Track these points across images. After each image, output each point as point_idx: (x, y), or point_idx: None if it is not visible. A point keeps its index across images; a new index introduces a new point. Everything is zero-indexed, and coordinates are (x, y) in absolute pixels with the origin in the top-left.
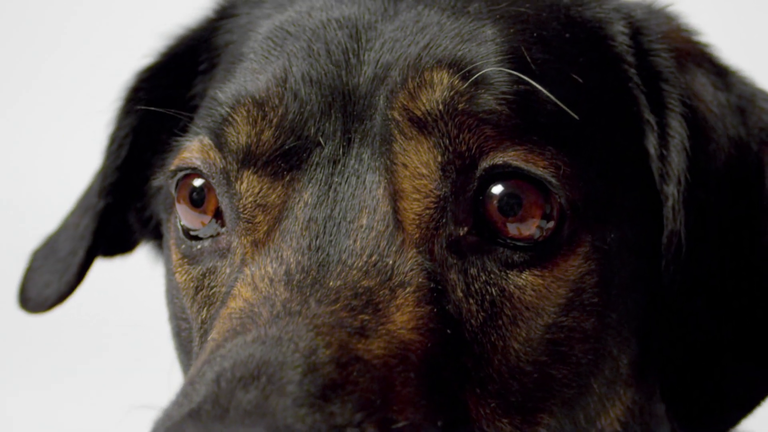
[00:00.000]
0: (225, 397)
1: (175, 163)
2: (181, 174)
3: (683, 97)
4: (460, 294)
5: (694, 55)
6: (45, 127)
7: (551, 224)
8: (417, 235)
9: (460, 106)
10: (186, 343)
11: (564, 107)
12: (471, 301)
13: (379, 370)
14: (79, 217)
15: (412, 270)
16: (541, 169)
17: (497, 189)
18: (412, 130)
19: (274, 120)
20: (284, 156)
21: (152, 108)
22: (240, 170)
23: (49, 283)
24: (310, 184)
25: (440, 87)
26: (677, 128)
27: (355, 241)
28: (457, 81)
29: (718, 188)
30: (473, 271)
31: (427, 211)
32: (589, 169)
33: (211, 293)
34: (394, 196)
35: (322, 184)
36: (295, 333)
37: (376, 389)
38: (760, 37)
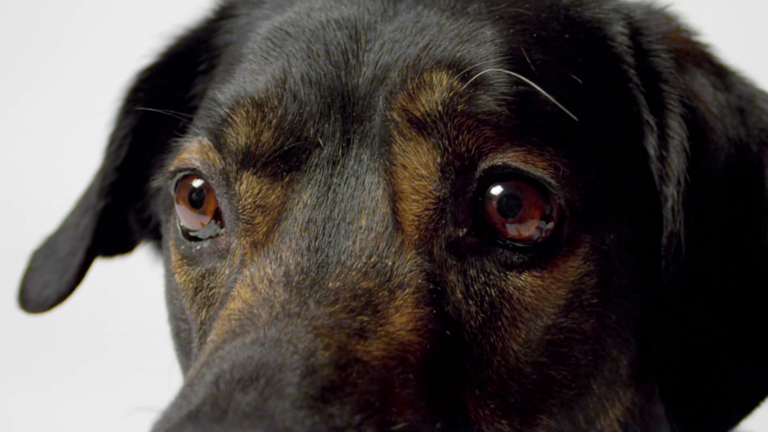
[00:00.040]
0: (224, 399)
1: (174, 164)
2: (180, 175)
3: (683, 98)
4: (460, 295)
5: (693, 55)
6: (45, 127)
7: (550, 225)
8: (416, 237)
9: (460, 107)
10: (185, 344)
11: (563, 108)
12: (470, 302)
13: (378, 371)
14: (78, 218)
15: (411, 271)
16: (541, 170)
17: (496, 190)
18: (412, 131)
19: (274, 121)
20: (283, 157)
21: (151, 109)
22: (239, 171)
23: (49, 283)
24: (310, 185)
25: (439, 88)
26: (677, 129)
27: (354, 243)
28: (456, 82)
29: (717, 189)
30: (472, 272)
31: (427, 212)
32: (589, 170)
33: (210, 294)
34: (394, 197)
35: (322, 185)
36: (294, 335)
37: (375, 391)
38: (760, 37)
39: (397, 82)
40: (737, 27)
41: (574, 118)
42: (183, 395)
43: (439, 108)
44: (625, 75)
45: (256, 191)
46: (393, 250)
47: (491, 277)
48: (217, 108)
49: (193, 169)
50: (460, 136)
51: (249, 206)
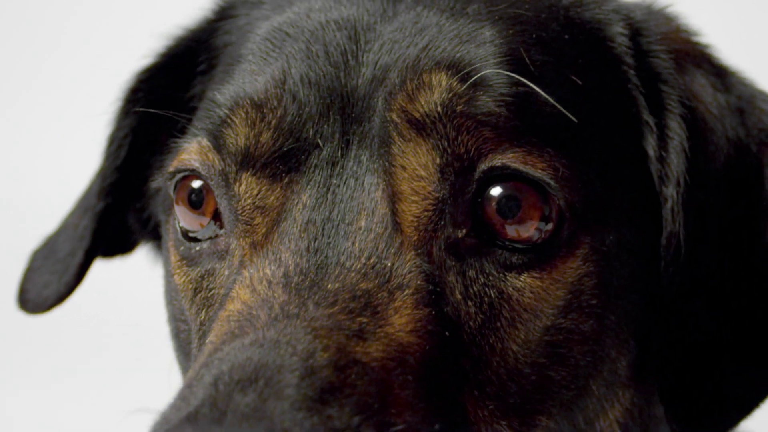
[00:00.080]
0: (223, 401)
1: (173, 164)
2: (179, 176)
3: (682, 99)
4: (459, 296)
5: (693, 55)
6: (45, 127)
7: (550, 226)
8: (415, 238)
9: (459, 108)
10: (185, 345)
11: (562, 109)
12: (469, 303)
13: (377, 372)
14: (78, 218)
15: (410, 272)
16: (540, 170)
17: (496, 191)
18: (411, 132)
19: (273, 122)
20: (283, 158)
21: (150, 110)
22: (238, 172)
23: (49, 283)
24: (309, 186)
25: (439, 89)
26: (676, 129)
27: (353, 244)
28: (455, 83)
29: (717, 189)
30: (472, 273)
31: (426, 213)
32: (588, 171)
33: (209, 295)
34: (393, 198)
35: (321, 186)
36: (293, 336)
37: (374, 392)
38: (760, 37)
39: (396, 83)
40: (737, 27)
41: (573, 119)
42: (182, 396)
43: (439, 109)
44: (624, 76)
45: (255, 192)
46: (392, 251)
47: (490, 278)
48: (217, 109)
49: (193, 170)
50: (460, 137)
51: (248, 207)
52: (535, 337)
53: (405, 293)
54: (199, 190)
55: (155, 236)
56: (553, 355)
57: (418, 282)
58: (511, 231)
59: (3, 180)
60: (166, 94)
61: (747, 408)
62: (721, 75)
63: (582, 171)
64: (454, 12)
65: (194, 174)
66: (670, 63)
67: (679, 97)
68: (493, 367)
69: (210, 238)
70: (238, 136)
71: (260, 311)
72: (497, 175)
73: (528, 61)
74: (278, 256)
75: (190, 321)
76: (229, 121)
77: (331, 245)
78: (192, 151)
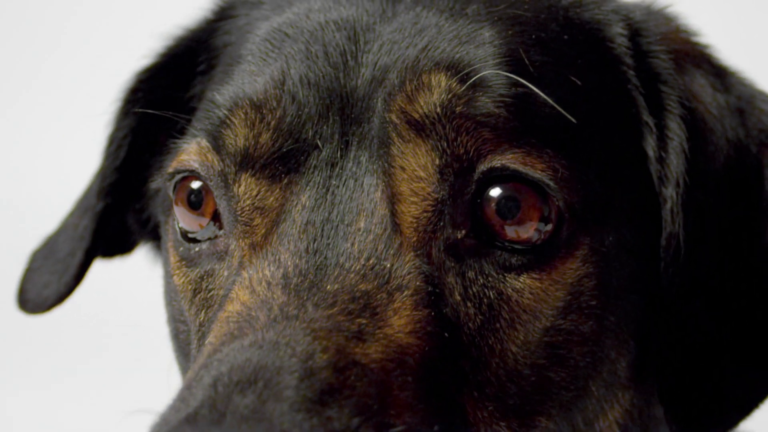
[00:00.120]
0: (222, 402)
1: (172, 165)
2: (178, 176)
3: (682, 99)
4: (458, 297)
5: (693, 56)
6: (45, 127)
7: (549, 227)
8: (415, 239)
9: (458, 109)
10: (184, 346)
11: (561, 110)
12: (469, 304)
13: (377, 374)
14: (78, 218)
15: (409, 273)
16: (539, 171)
17: (495, 192)
18: (410, 133)
19: (272, 123)
20: (282, 159)
21: (149, 111)
22: (238, 173)
23: (48, 283)
24: (308, 187)
25: (438, 90)
26: (676, 130)
27: (352, 245)
28: (454, 84)
29: (716, 190)
30: (471, 274)
31: (425, 214)
32: (588, 172)
33: (209, 296)
34: (392, 199)
35: (320, 187)
36: (292, 337)
37: (373, 393)
38: (760, 37)
39: (395, 84)
40: (737, 27)
41: (573, 120)
42: (181, 398)
43: (438, 110)
44: (624, 76)
45: (254, 193)
46: (391, 252)
47: (490, 279)
48: (216, 109)
49: (192, 171)
50: (459, 138)
51: (247, 208)
52: (535, 338)
53: (404, 294)
54: (199, 190)
55: (155, 236)
56: (553, 356)
57: (418, 283)
58: (511, 232)
59: (3, 180)
60: (165, 95)
61: (747, 408)
62: (721, 75)
63: (581, 172)
64: (453, 13)
65: (193, 175)
66: (670, 63)
67: (678, 97)
68: (493, 368)
69: (209, 238)
70: (237, 137)
71: (259, 312)
72: (496, 176)
73: (527, 61)
74: (277, 257)
75: (189, 322)
76: (228, 121)
77: (331, 246)
78: (191, 152)
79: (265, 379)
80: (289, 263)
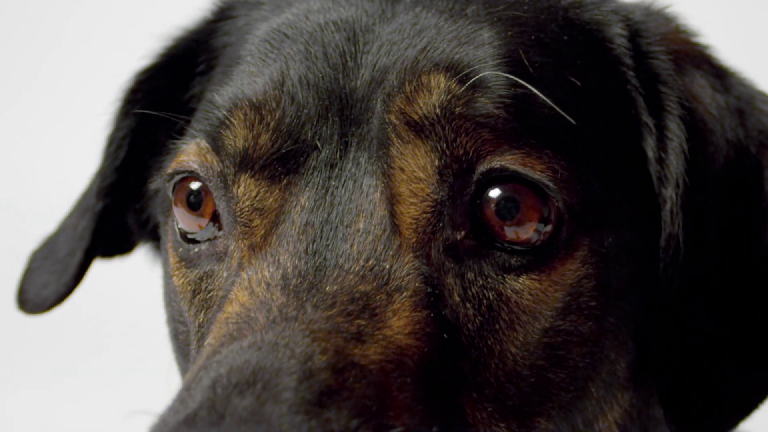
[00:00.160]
0: (221, 404)
1: (172, 166)
2: (178, 177)
3: (681, 100)
4: (457, 298)
5: (692, 56)
6: (45, 127)
7: (549, 228)
8: (414, 240)
9: (458, 109)
10: (183, 346)
11: (561, 112)
12: (468, 305)
13: (376, 375)
14: (77, 218)
15: (408, 274)
16: (539, 172)
17: (494, 193)
18: (410, 134)
19: (272, 123)
20: (281, 160)
21: (148, 112)
22: (237, 174)
23: (48, 283)
24: (307, 188)
25: (437, 91)
26: (675, 131)
27: (351, 246)
28: (454, 85)
29: (716, 191)
30: (470, 275)
31: (424, 215)
32: (587, 173)
33: (208, 297)
34: (391, 200)
35: (319, 187)
36: (291, 339)
37: (372, 395)
38: (760, 38)
39: (395, 85)
40: (737, 27)
41: (572, 121)
42: (180, 399)
43: (437, 111)
44: (623, 77)
45: (253, 194)
46: (391, 253)
47: (489, 280)
48: (215, 110)
49: (191, 172)
50: (458, 139)
51: (247, 209)
52: (534, 339)
53: (403, 295)
54: (198, 191)
55: (154, 237)
56: (552, 357)
57: (417, 284)
58: (510, 233)
59: (3, 180)
60: (165, 95)
61: (746, 409)
62: (721, 76)
63: (581, 172)
64: (452, 13)
65: (193, 175)
66: (670, 64)
67: (678, 98)
68: (492, 369)
69: (209, 239)
70: (236, 138)
71: (258, 314)
72: (496, 177)
73: (527, 62)
74: (277, 258)
75: (188, 322)
76: (227, 122)
77: (330, 247)
78: (190, 153)
79: (264, 380)
80: (288, 264)
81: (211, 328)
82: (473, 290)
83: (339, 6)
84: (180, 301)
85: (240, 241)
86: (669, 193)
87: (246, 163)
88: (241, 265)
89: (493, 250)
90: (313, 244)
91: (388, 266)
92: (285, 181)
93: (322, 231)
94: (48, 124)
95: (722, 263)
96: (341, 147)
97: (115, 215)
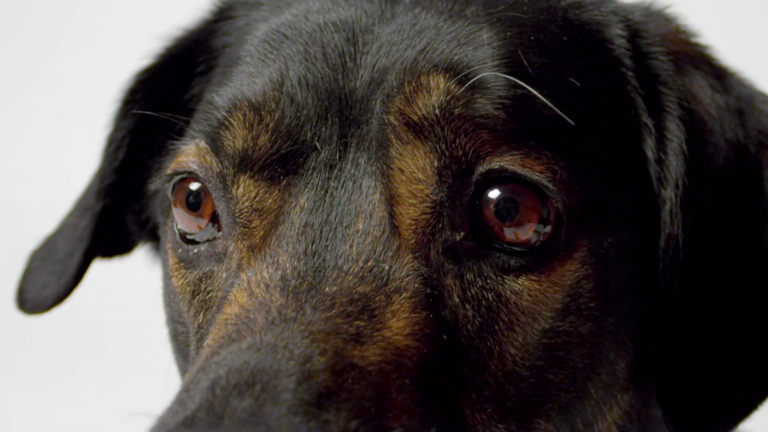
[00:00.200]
0: (219, 405)
1: (171, 166)
2: (177, 178)
3: (681, 100)
4: (457, 299)
5: (692, 57)
6: (45, 127)
7: (548, 229)
8: (413, 241)
9: (457, 110)
10: (183, 347)
11: (560, 112)
12: (467, 306)
13: (375, 376)
14: (77, 219)
15: (408, 275)
16: (538, 173)
17: (494, 193)
18: (409, 135)
19: (271, 124)
20: (281, 160)
21: (148, 112)
22: (236, 174)
23: (47, 284)
24: (307, 189)
25: (436, 91)
26: (675, 131)
27: (351, 247)
28: (453, 85)
29: (716, 191)
30: (469, 276)
31: (424, 216)
32: (587, 173)
33: (207, 298)
34: (391, 201)
35: (319, 188)
36: (290, 340)
37: (371, 396)
38: (760, 38)
39: (394, 86)
40: (737, 27)
41: (571, 122)
42: (179, 401)
43: (437, 111)
44: (623, 77)
45: (253, 195)
46: (390, 254)
47: (488, 281)
48: (215, 111)
49: (190, 173)
50: (458, 140)
51: (246, 210)
52: (533, 340)
53: (402, 296)
54: (197, 192)
55: (154, 237)
56: (551, 358)
57: (416, 285)
58: (509, 234)
59: (3, 180)
60: (164, 95)
61: (746, 409)
62: (721, 76)
63: (580, 173)
64: (452, 14)
65: (192, 176)
66: (669, 64)
67: (677, 98)
68: (491, 370)
69: (208, 240)
70: (235, 139)
71: (258, 315)
72: (495, 178)
73: (526, 63)
74: (276, 259)
75: (188, 323)
76: (226, 123)
77: (329, 248)
78: (190, 154)
79: (263, 382)
80: (287, 265)
81: (210, 329)
82: (472, 291)
83: (338, 6)
84: (179, 302)
85: (239, 242)
86: (668, 193)
87: (245, 163)
88: (240, 266)
89: (493, 251)
90: (312, 245)
91: (387, 267)
92: (284, 182)
93: (321, 232)
94: (48, 124)
95: (722, 263)
96: (340, 148)
97: (115, 216)
